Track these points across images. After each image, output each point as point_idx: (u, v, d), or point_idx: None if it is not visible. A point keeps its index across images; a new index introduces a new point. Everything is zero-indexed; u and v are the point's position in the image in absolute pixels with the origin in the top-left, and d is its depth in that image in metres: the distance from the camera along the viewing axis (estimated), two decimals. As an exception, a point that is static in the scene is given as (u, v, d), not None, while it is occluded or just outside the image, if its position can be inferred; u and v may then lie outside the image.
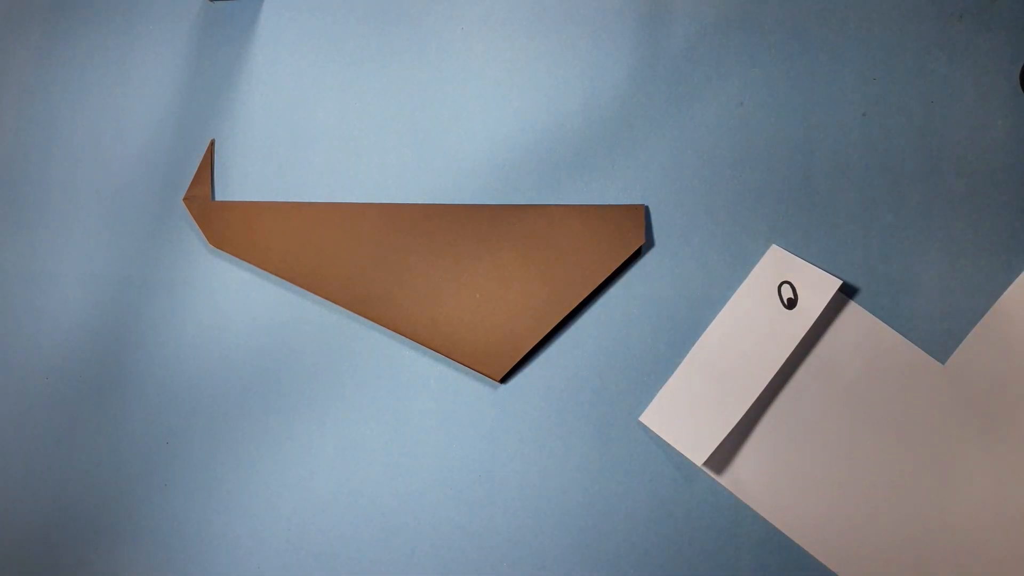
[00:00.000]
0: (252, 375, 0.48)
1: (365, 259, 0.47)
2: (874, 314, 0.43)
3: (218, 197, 0.49)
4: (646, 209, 0.46)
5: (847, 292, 0.43)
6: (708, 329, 0.43)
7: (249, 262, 0.48)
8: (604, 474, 0.44)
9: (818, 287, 0.42)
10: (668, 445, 0.43)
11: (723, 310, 0.43)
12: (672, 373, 0.44)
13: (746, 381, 0.41)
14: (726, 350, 0.42)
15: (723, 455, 0.43)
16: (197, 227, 0.49)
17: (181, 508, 0.47)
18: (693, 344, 0.44)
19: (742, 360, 0.42)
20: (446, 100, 0.49)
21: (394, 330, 0.46)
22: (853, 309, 0.43)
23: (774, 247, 0.41)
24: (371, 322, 0.47)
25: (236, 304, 0.48)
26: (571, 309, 0.45)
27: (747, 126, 0.46)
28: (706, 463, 0.43)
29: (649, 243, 0.46)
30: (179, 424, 0.48)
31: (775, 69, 0.46)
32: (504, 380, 0.45)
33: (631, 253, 0.45)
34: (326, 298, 0.47)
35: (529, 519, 0.44)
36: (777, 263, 0.42)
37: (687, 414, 0.42)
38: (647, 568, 0.43)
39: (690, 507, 0.43)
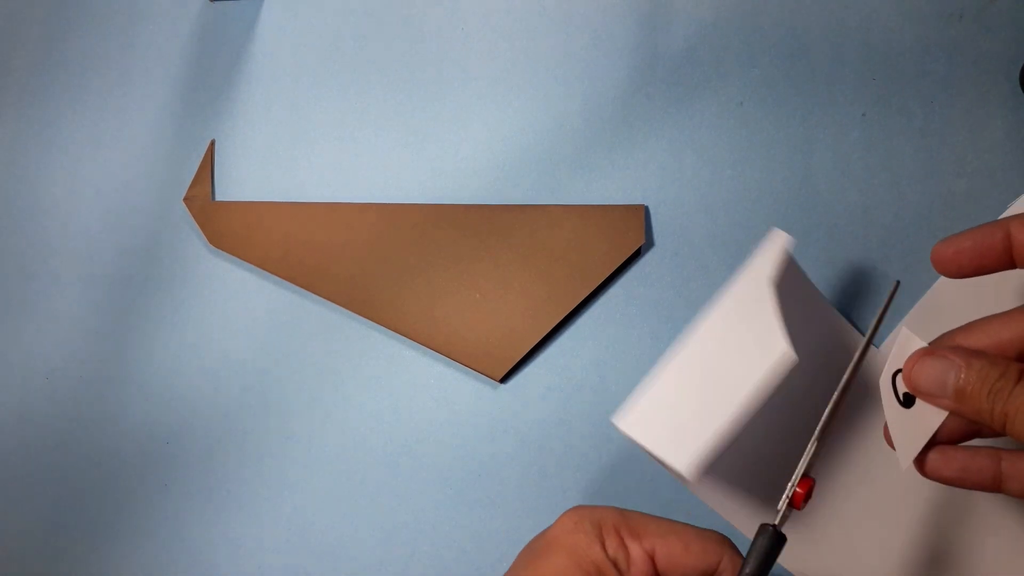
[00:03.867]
0: (252, 375, 0.47)
1: (365, 259, 0.47)
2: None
3: (218, 197, 0.49)
4: (646, 209, 0.46)
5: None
6: (697, 325, 0.35)
7: (249, 262, 0.48)
8: (604, 474, 0.44)
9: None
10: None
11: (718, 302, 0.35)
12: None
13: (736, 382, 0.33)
14: (718, 346, 0.34)
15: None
16: (197, 227, 0.49)
17: (181, 508, 0.47)
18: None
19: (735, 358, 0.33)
20: (446, 100, 0.49)
21: (394, 330, 0.46)
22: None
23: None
24: (371, 322, 0.47)
25: (236, 304, 0.48)
26: (571, 309, 0.45)
27: (747, 126, 0.46)
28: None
29: (649, 243, 0.46)
30: (179, 424, 0.48)
31: (775, 69, 0.46)
32: (504, 380, 0.45)
33: (631, 253, 0.45)
34: (326, 298, 0.47)
35: (529, 519, 0.44)
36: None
37: (669, 416, 0.33)
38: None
39: (690, 508, 0.43)
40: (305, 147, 0.49)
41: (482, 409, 0.45)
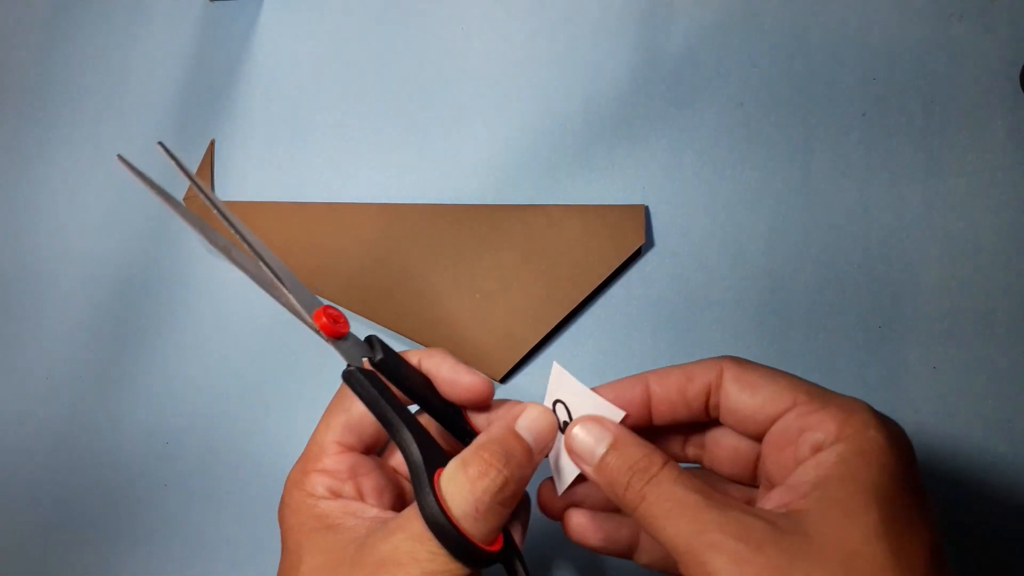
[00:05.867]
0: (252, 375, 0.47)
1: (365, 259, 0.47)
2: (874, 314, 0.43)
3: (218, 197, 0.49)
4: (646, 209, 0.46)
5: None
6: None
7: (249, 262, 0.48)
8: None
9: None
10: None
11: None
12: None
13: None
14: None
15: None
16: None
17: (181, 508, 0.47)
18: (692, 344, 0.44)
19: None
20: (446, 100, 0.49)
21: (394, 330, 0.46)
22: None
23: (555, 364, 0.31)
24: (371, 322, 0.47)
25: (236, 304, 0.48)
26: (571, 309, 0.45)
27: (747, 126, 0.46)
28: None
29: (649, 243, 0.46)
30: (179, 424, 0.48)
31: (775, 69, 0.46)
32: (504, 380, 0.45)
33: (631, 253, 0.45)
34: (326, 298, 0.47)
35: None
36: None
37: None
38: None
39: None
40: (305, 147, 0.49)
41: (482, 409, 0.45)
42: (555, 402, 0.30)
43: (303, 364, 0.47)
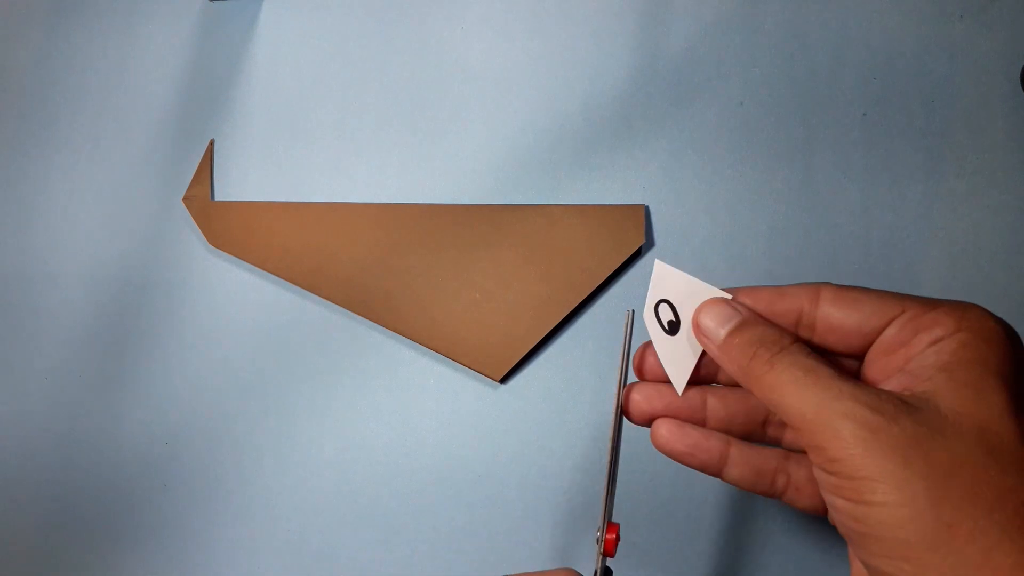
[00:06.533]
0: (252, 375, 0.47)
1: (365, 259, 0.47)
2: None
3: (218, 197, 0.49)
4: (646, 209, 0.46)
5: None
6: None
7: (249, 262, 0.48)
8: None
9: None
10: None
11: None
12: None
13: None
14: None
15: None
16: (196, 227, 0.49)
17: (181, 508, 0.47)
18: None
19: None
20: (446, 100, 0.49)
21: (394, 330, 0.46)
22: None
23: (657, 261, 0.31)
24: (371, 322, 0.47)
25: (236, 304, 0.48)
26: (571, 309, 0.45)
27: (747, 126, 0.46)
28: None
29: (649, 243, 0.46)
30: (179, 424, 0.48)
31: (775, 69, 0.46)
32: (504, 380, 0.45)
33: (631, 253, 0.45)
34: (326, 298, 0.47)
35: (530, 520, 0.44)
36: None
37: None
38: (649, 568, 0.43)
39: (690, 509, 0.43)
40: (305, 147, 0.49)
41: (482, 409, 0.45)
42: (658, 303, 0.30)
43: (303, 365, 0.47)
